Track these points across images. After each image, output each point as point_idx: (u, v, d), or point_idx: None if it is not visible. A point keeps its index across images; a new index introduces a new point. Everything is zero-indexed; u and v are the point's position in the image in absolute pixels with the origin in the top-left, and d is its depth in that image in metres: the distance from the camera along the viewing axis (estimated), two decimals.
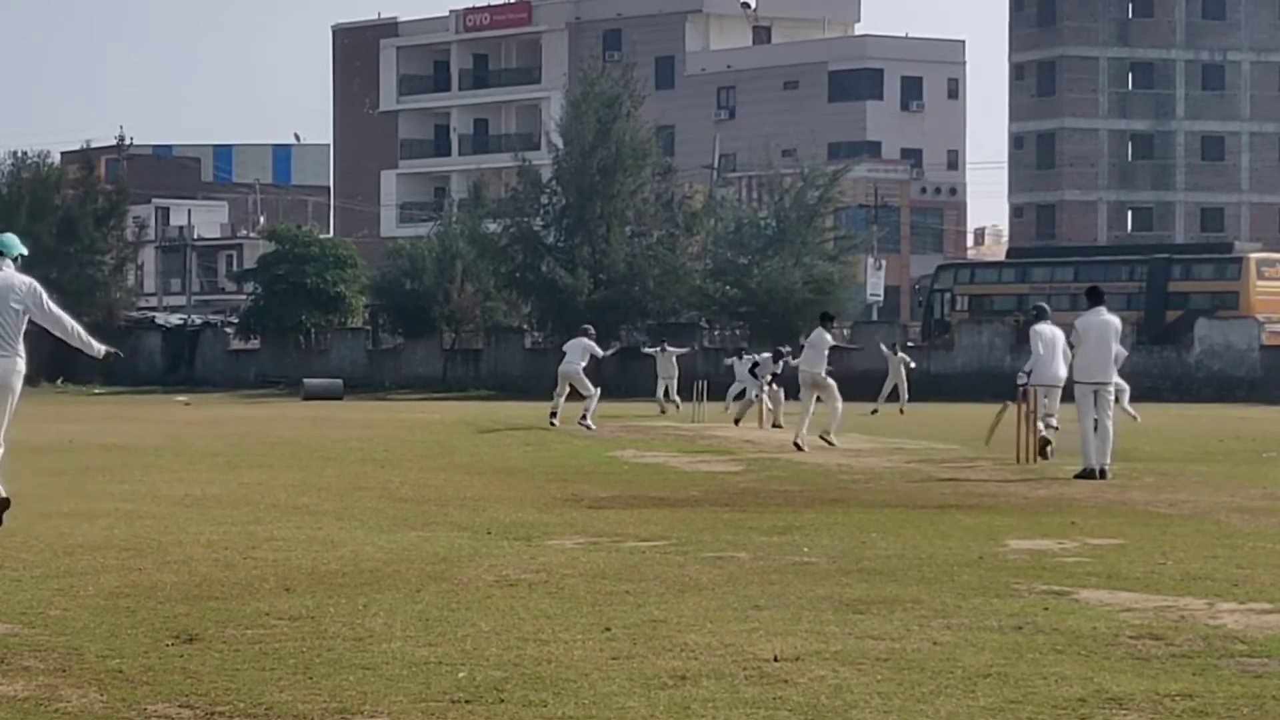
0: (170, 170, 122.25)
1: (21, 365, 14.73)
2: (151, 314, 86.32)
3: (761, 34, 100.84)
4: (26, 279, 14.61)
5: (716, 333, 66.40)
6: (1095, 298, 21.15)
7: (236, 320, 77.70)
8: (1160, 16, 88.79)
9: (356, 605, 10.17)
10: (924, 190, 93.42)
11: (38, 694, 7.89)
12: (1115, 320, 21.09)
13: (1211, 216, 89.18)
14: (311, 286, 69.79)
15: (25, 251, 14.88)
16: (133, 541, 13.27)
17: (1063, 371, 23.03)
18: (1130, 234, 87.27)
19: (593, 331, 35.33)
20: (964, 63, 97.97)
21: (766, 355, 37.36)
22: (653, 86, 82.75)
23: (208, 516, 15.22)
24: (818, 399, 26.73)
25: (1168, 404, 48.91)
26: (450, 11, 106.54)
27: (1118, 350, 21.27)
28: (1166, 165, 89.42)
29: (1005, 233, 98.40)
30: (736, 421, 35.87)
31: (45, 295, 14.62)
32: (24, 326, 14.63)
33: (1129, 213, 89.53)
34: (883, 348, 48.02)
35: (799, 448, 25.30)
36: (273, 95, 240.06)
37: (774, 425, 35.55)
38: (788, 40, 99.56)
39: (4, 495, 14.27)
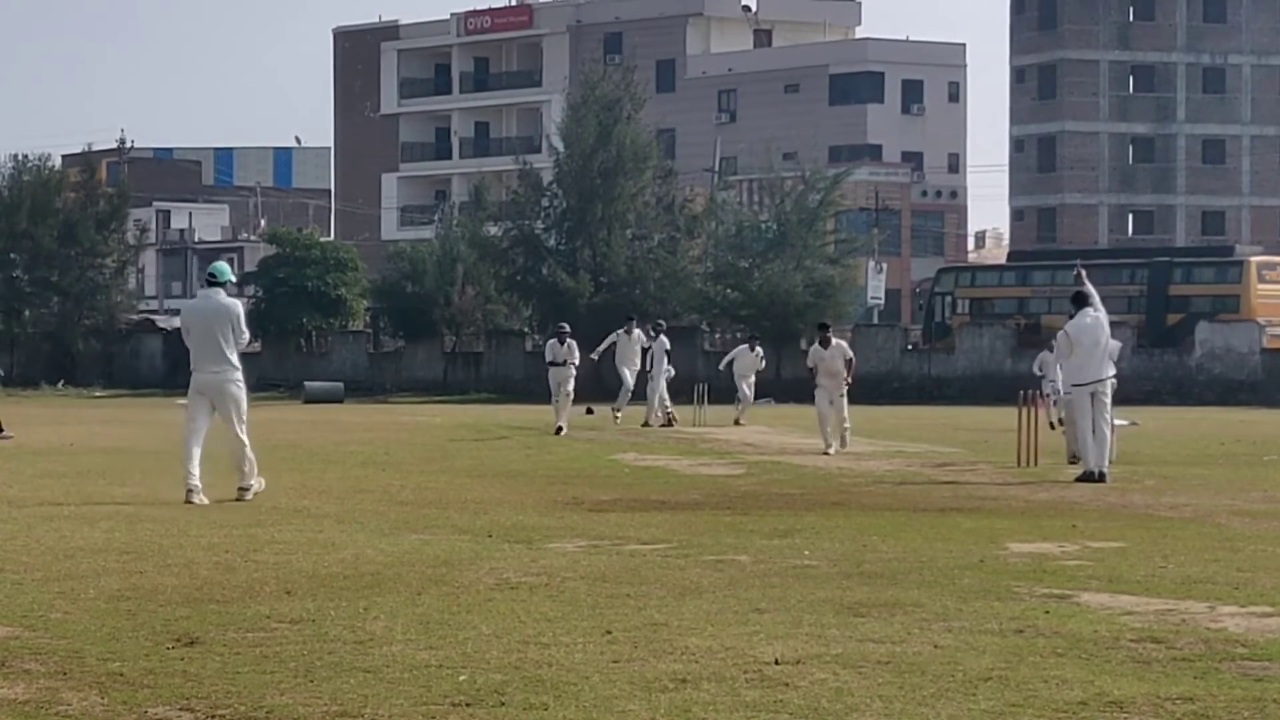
0: (171, 173, 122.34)
1: (234, 376, 17.03)
2: (152, 317, 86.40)
3: (762, 37, 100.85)
4: (228, 301, 17.09)
5: (718, 335, 66.40)
6: (1081, 301, 21.14)
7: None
8: (1161, 19, 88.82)
9: (357, 608, 10.17)
10: (925, 193, 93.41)
11: (38, 697, 7.89)
12: (1103, 316, 21.02)
13: (1212, 219, 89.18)
14: (312, 289, 69.81)
15: (234, 279, 17.44)
16: (134, 544, 13.27)
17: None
18: (1131, 237, 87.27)
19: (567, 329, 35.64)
20: (965, 66, 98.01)
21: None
22: (653, 89, 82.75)
23: (208, 519, 15.22)
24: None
25: (1168, 407, 48.90)
26: (451, 14, 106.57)
27: (1112, 344, 21.25)
28: (1167, 168, 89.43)
29: (1006, 236, 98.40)
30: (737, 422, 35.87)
31: (240, 316, 17.04)
32: (235, 343, 16.93)
33: (1130, 216, 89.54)
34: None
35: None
36: (273, 98, 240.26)
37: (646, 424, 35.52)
38: (788, 43, 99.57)
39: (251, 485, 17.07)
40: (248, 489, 17.18)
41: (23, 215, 71.37)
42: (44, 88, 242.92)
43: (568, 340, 34.72)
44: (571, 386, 33.68)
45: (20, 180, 72.69)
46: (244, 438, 17.02)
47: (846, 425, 26.90)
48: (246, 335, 17.14)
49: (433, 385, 65.91)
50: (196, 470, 16.77)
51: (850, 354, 27.64)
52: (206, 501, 16.59)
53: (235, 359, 17.03)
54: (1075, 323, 20.80)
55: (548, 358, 34.65)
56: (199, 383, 17.13)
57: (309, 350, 71.19)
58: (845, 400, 26.85)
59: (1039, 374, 29.93)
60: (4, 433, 29.44)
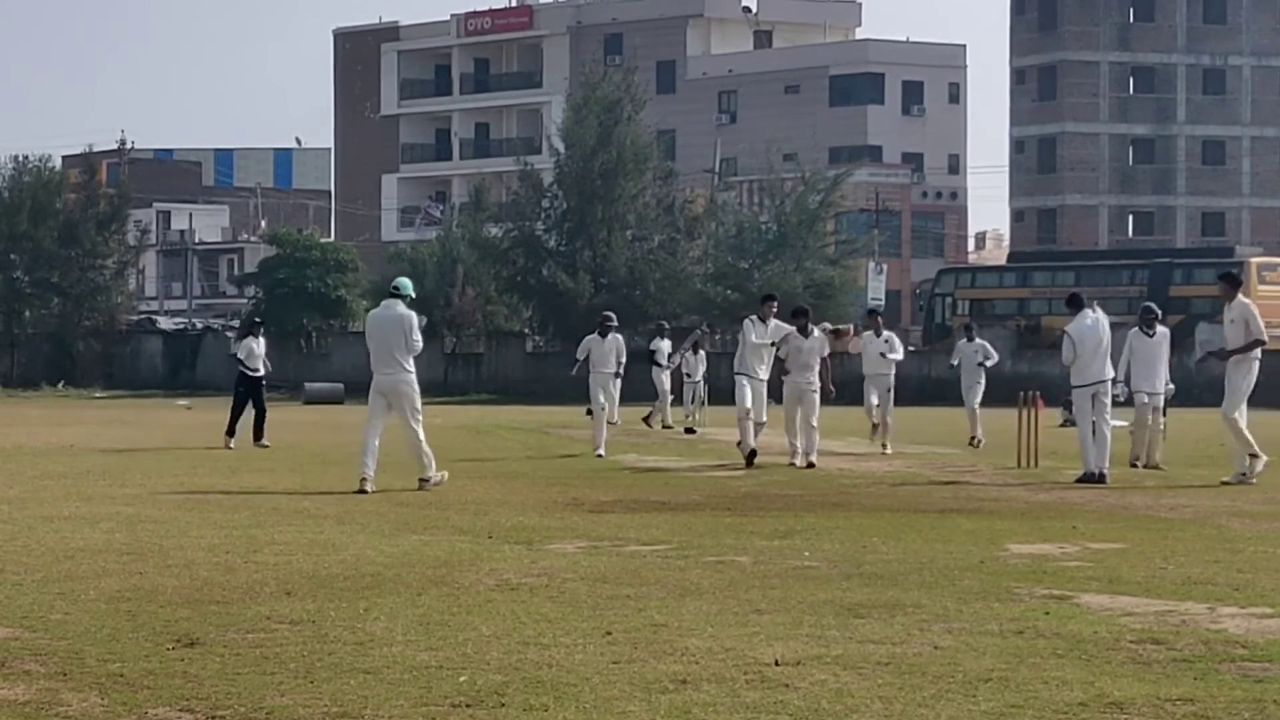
0: (171, 174, 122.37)
1: (404, 377, 18.85)
2: (155, 318, 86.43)
3: (762, 38, 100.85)
4: (404, 313, 18.95)
5: (718, 336, 66.42)
6: (1076, 304, 21.21)
7: (238, 324, 77.79)
8: (1161, 21, 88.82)
9: (357, 609, 10.17)
10: (925, 194, 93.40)
11: (39, 698, 7.89)
12: (1102, 317, 21.07)
13: (1212, 221, 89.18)
14: (313, 290, 69.84)
15: (413, 295, 19.48)
16: (134, 545, 13.27)
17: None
18: (1131, 238, 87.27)
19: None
20: (965, 67, 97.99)
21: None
22: (654, 91, 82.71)
23: (209, 520, 15.23)
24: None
25: (1168, 408, 48.83)
26: (451, 15, 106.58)
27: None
28: (1167, 169, 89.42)
29: (1006, 237, 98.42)
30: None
31: (414, 325, 18.92)
32: (409, 348, 18.81)
33: (1130, 217, 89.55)
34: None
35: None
36: (274, 99, 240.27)
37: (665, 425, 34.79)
38: (789, 44, 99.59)
39: (428, 475, 18.55)
40: (428, 479, 18.53)
41: (23, 216, 71.40)
42: (44, 89, 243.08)
43: (613, 333, 27.16)
44: (617, 404, 27.28)
45: (21, 181, 72.73)
46: (419, 433, 18.61)
47: (814, 427, 23.08)
48: (419, 344, 18.93)
49: (433, 386, 65.63)
50: (371, 462, 18.34)
51: (828, 350, 23.77)
52: (372, 490, 18.07)
53: (407, 363, 18.86)
54: (1076, 324, 20.79)
55: (582, 355, 27.27)
56: (376, 383, 19.02)
57: (309, 351, 71.21)
58: (817, 399, 23.28)
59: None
60: (262, 440, 27.75)
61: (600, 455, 25.01)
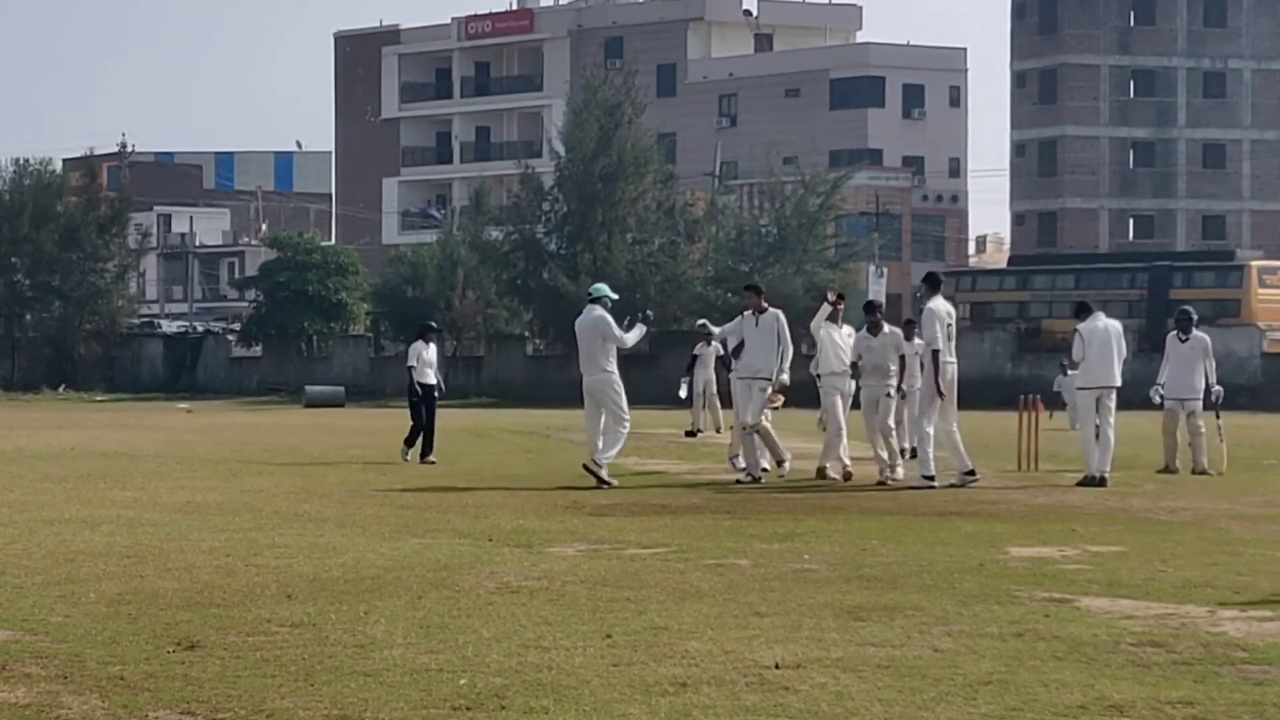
0: (172, 177, 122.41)
1: (606, 377, 19.97)
2: (156, 321, 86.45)
3: (763, 42, 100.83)
4: (599, 315, 20.01)
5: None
6: (1085, 310, 21.38)
7: (238, 327, 77.84)
8: (1161, 24, 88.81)
9: (358, 612, 10.18)
10: (925, 198, 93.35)
11: (39, 700, 7.90)
12: (1115, 325, 21.30)
13: (1213, 224, 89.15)
14: (313, 294, 69.87)
15: (615, 296, 20.54)
16: (134, 548, 13.28)
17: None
18: (1132, 242, 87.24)
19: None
20: (965, 70, 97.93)
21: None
22: (654, 94, 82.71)
23: (209, 523, 15.23)
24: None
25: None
26: (452, 19, 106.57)
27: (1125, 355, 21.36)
28: (1168, 173, 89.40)
29: (1007, 240, 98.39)
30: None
31: (609, 325, 19.99)
32: (616, 342, 20.01)
33: (1130, 220, 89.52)
34: None
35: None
36: (275, 102, 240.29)
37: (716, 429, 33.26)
38: (789, 48, 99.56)
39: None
40: (599, 471, 19.62)
41: (24, 219, 71.45)
42: (45, 92, 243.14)
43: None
44: None
45: (22, 184, 72.78)
46: (621, 433, 19.95)
47: (892, 433, 21.26)
48: (621, 338, 20.05)
49: None
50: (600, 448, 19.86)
51: (903, 347, 21.41)
52: (613, 482, 19.52)
53: (607, 363, 20.05)
54: (1088, 324, 21.06)
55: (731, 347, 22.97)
56: (585, 384, 20.22)
57: (310, 354, 71.22)
58: (893, 403, 21.30)
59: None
60: (430, 457, 24.87)
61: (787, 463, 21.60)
